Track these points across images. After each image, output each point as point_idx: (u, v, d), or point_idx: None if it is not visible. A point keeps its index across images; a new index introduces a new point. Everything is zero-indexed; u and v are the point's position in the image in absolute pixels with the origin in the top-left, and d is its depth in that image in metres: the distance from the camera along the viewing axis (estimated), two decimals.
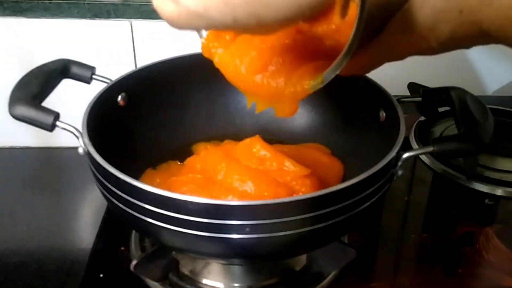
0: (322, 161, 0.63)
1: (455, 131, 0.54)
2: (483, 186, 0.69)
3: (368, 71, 0.48)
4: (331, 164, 0.63)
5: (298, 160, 0.58)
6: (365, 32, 0.39)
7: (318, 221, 0.44)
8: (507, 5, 0.39)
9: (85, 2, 0.71)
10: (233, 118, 0.68)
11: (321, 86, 0.44)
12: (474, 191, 0.69)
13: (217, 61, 0.47)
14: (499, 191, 0.68)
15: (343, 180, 0.62)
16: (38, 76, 0.53)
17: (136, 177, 0.46)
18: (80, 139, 0.49)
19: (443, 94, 0.60)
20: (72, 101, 0.59)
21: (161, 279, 0.53)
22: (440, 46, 0.44)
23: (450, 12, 0.41)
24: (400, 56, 0.47)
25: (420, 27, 0.43)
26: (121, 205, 0.46)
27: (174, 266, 0.54)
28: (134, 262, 0.49)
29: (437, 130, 0.79)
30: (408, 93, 0.63)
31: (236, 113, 0.68)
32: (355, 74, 0.47)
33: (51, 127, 0.49)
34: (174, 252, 0.52)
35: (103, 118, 0.56)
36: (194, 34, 0.49)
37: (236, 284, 0.55)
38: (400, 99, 0.57)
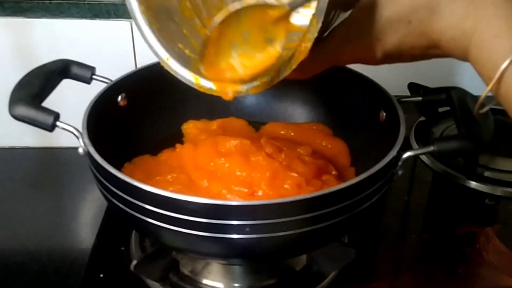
0: (326, 142, 0.64)
1: (455, 131, 0.54)
2: (483, 186, 0.69)
3: (309, 75, 0.47)
4: (336, 144, 0.64)
5: (303, 142, 0.59)
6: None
7: (318, 221, 0.44)
8: (459, 16, 0.38)
9: (85, 2, 0.71)
10: (235, 111, 0.68)
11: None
12: (474, 191, 0.69)
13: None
14: (499, 191, 0.68)
15: (351, 161, 0.62)
16: (38, 76, 0.53)
17: None
18: (80, 139, 0.49)
19: (443, 94, 0.60)
20: (72, 101, 0.59)
21: (161, 279, 0.53)
22: (384, 56, 0.43)
23: (399, 22, 0.41)
24: (343, 63, 0.47)
25: (366, 36, 0.42)
26: (121, 205, 0.46)
27: (174, 266, 0.54)
28: (134, 262, 0.49)
29: (437, 130, 0.79)
30: (408, 93, 0.63)
31: (237, 104, 0.68)
32: (296, 78, 0.46)
33: (51, 127, 0.49)
34: (174, 252, 0.52)
35: (103, 118, 0.56)
36: None
37: (236, 284, 0.55)
38: (400, 99, 0.57)
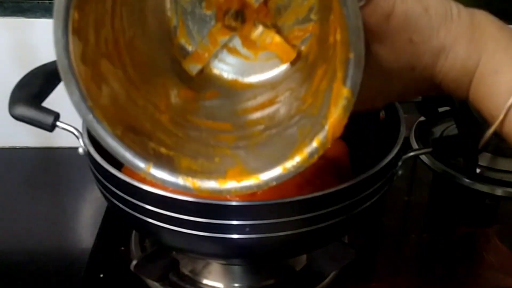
0: None
1: (455, 131, 0.54)
2: (483, 186, 0.68)
3: None
4: (336, 144, 0.63)
5: None
6: None
7: (318, 221, 0.44)
8: (461, 57, 0.36)
9: None
10: None
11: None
12: (474, 191, 0.69)
13: None
14: (499, 191, 0.68)
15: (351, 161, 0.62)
16: (38, 76, 0.53)
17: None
18: (80, 139, 0.49)
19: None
20: None
21: (161, 279, 0.53)
22: (385, 104, 0.41)
23: (401, 70, 0.37)
24: None
25: (367, 89, 0.35)
26: (121, 205, 0.46)
27: (174, 266, 0.54)
28: (134, 262, 0.49)
29: (437, 130, 0.79)
30: None
31: None
32: None
33: (51, 127, 0.49)
34: (174, 252, 0.52)
35: None
36: None
37: (236, 284, 0.55)
38: None
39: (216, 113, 0.45)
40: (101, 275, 0.56)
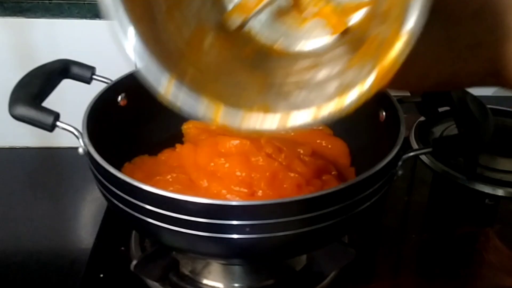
0: (326, 142, 0.64)
1: (455, 131, 0.54)
2: (483, 186, 0.68)
3: None
4: (336, 144, 0.63)
5: (303, 142, 0.59)
6: None
7: (318, 221, 0.44)
8: None
9: (85, 2, 0.71)
10: None
11: None
12: (474, 191, 0.69)
13: None
14: (499, 191, 0.68)
15: (351, 161, 0.62)
16: (38, 76, 0.53)
17: None
18: (80, 139, 0.49)
19: (443, 94, 0.60)
20: (72, 101, 0.59)
21: (161, 279, 0.53)
22: (436, 85, 0.36)
23: (463, 47, 0.32)
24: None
25: (419, 63, 0.32)
26: (121, 205, 0.46)
27: (174, 266, 0.54)
28: (134, 262, 0.49)
29: (437, 130, 0.79)
30: (408, 93, 0.63)
31: None
32: None
33: (51, 127, 0.49)
34: (174, 252, 0.52)
35: (103, 118, 0.56)
36: None
37: (236, 284, 0.55)
38: (400, 99, 0.57)
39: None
40: (101, 275, 0.56)
